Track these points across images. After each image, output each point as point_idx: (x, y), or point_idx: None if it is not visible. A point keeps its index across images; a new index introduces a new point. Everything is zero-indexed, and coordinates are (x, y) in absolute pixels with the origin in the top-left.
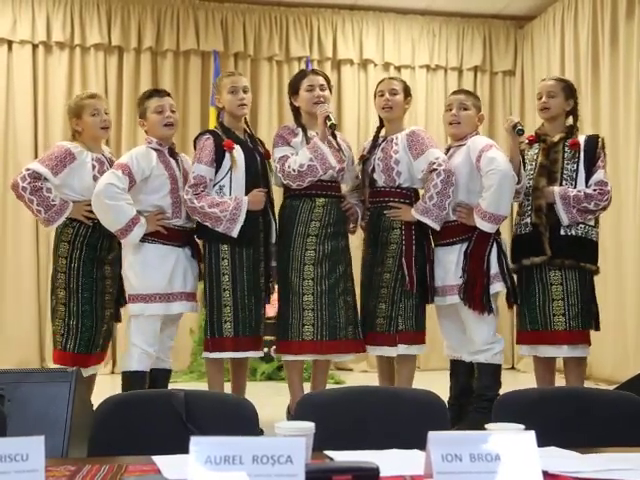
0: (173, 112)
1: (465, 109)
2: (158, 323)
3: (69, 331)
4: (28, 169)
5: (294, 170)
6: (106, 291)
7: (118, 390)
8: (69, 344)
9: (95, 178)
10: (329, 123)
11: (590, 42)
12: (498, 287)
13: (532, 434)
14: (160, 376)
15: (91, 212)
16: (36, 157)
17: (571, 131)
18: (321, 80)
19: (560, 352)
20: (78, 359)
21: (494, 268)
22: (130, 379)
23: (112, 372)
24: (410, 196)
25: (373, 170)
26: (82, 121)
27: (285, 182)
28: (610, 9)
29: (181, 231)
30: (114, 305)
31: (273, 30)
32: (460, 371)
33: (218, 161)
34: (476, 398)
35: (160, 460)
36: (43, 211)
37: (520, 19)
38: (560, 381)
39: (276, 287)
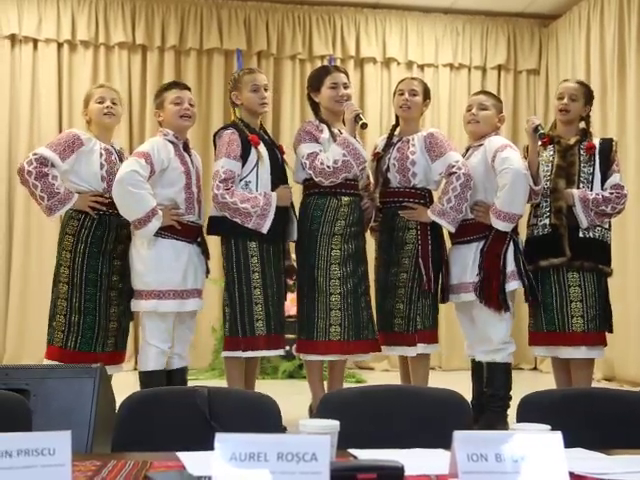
0: (192, 106)
1: (484, 109)
2: (171, 321)
3: (70, 328)
4: (35, 154)
5: (329, 167)
6: (113, 287)
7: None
8: (70, 341)
9: (102, 166)
10: (360, 122)
11: (616, 41)
12: (514, 285)
13: (559, 435)
14: (178, 373)
15: (97, 203)
16: None
17: (585, 134)
18: (344, 78)
19: (578, 353)
20: (79, 357)
21: (510, 266)
22: (148, 379)
23: (134, 369)
24: (424, 197)
25: (388, 169)
26: (88, 109)
27: (317, 179)
28: (637, 7)
29: (193, 227)
30: (124, 302)
31: (296, 29)
32: (481, 370)
33: (244, 156)
34: (490, 398)
35: (185, 456)
36: (46, 198)
37: (545, 18)
38: None
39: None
